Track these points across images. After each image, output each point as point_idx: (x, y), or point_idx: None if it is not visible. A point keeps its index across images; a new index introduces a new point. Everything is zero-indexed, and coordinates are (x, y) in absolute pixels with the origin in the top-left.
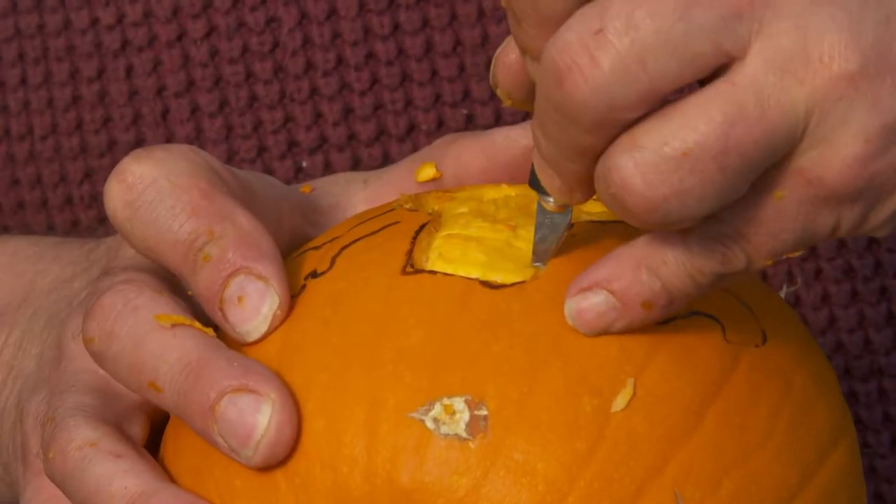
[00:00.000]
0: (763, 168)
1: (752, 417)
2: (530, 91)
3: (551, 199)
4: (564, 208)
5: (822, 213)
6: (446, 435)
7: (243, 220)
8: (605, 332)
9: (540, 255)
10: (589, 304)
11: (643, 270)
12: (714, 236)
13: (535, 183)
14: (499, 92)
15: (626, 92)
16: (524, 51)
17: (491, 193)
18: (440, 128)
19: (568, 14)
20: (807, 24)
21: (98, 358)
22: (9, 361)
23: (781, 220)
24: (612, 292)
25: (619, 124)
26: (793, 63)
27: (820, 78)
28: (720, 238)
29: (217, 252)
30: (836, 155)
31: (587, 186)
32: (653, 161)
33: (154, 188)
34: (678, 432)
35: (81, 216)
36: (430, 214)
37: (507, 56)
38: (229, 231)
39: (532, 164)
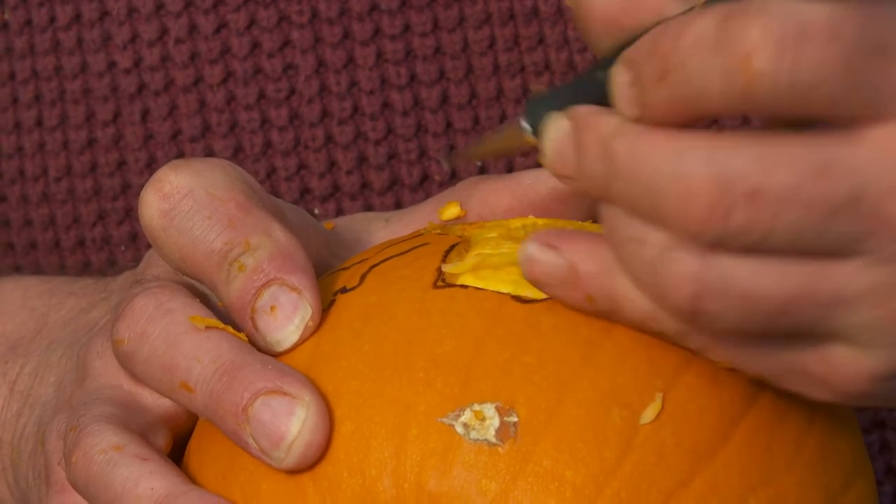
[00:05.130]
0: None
1: (779, 439)
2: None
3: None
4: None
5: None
6: (476, 440)
7: (280, 233)
8: (538, 286)
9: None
10: (546, 260)
11: (611, 275)
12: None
13: (532, 118)
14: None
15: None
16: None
17: (518, 223)
18: (452, 178)
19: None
20: None
21: (128, 359)
22: (24, 391)
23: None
24: (571, 268)
25: None
26: None
27: None
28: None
29: (253, 262)
30: (855, 362)
31: None
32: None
33: (191, 198)
34: (706, 448)
35: (93, 258)
36: (459, 237)
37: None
38: (266, 243)
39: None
